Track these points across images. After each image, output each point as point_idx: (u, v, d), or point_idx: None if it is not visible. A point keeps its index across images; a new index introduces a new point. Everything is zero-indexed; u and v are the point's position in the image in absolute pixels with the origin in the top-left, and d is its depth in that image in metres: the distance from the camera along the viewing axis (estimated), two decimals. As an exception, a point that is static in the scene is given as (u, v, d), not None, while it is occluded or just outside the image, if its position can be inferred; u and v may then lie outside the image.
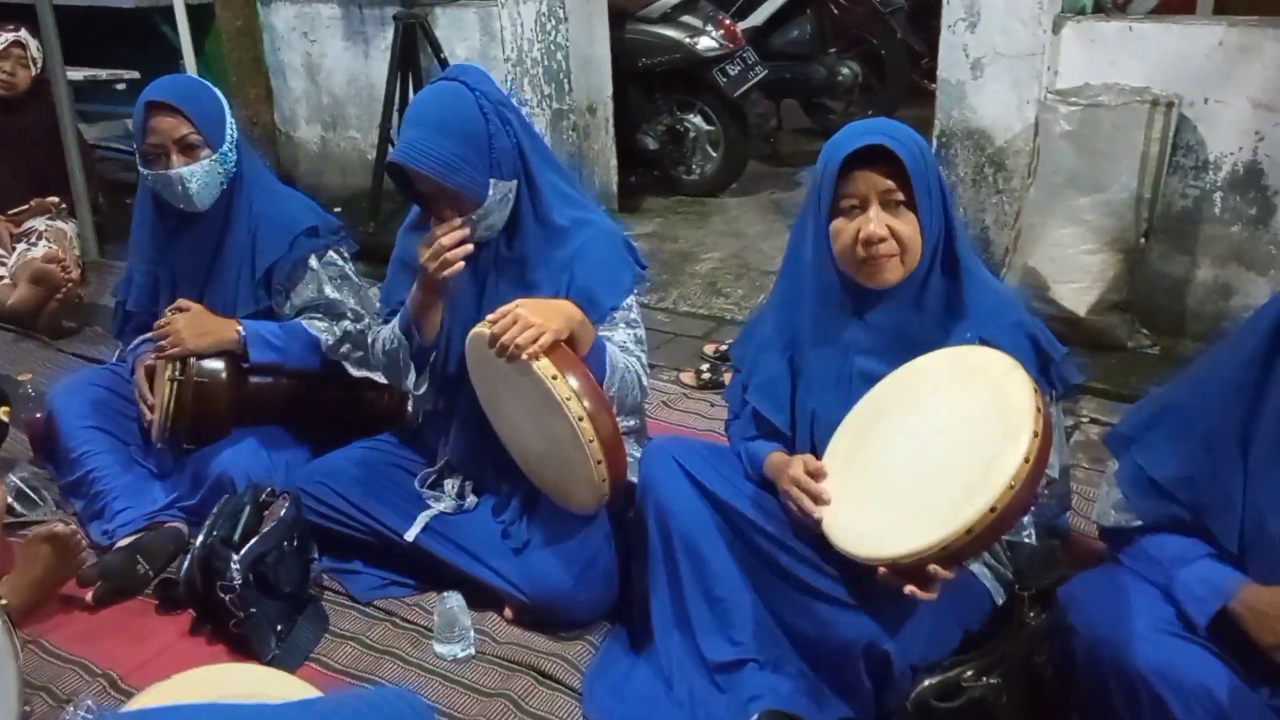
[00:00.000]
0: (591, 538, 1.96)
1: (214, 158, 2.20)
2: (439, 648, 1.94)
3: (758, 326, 1.91)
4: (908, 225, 1.63)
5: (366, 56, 4.85)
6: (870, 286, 1.69)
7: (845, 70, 5.98)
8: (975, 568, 1.75)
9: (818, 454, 1.72)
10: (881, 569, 1.52)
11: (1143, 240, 3.12)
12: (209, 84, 2.33)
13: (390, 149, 2.71)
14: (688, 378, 3.09)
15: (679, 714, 1.76)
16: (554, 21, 4.31)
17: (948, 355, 1.63)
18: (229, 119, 2.26)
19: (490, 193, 1.88)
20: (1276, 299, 1.52)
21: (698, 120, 5.04)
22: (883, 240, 1.62)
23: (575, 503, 1.92)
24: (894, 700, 1.65)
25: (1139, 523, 1.64)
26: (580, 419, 1.73)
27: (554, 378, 1.74)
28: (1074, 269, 3.11)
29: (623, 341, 1.99)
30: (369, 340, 2.20)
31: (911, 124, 1.72)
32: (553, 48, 4.36)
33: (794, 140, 6.10)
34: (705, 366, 3.08)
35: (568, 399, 1.73)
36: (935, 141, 3.52)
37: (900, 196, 1.62)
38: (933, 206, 1.64)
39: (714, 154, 5.09)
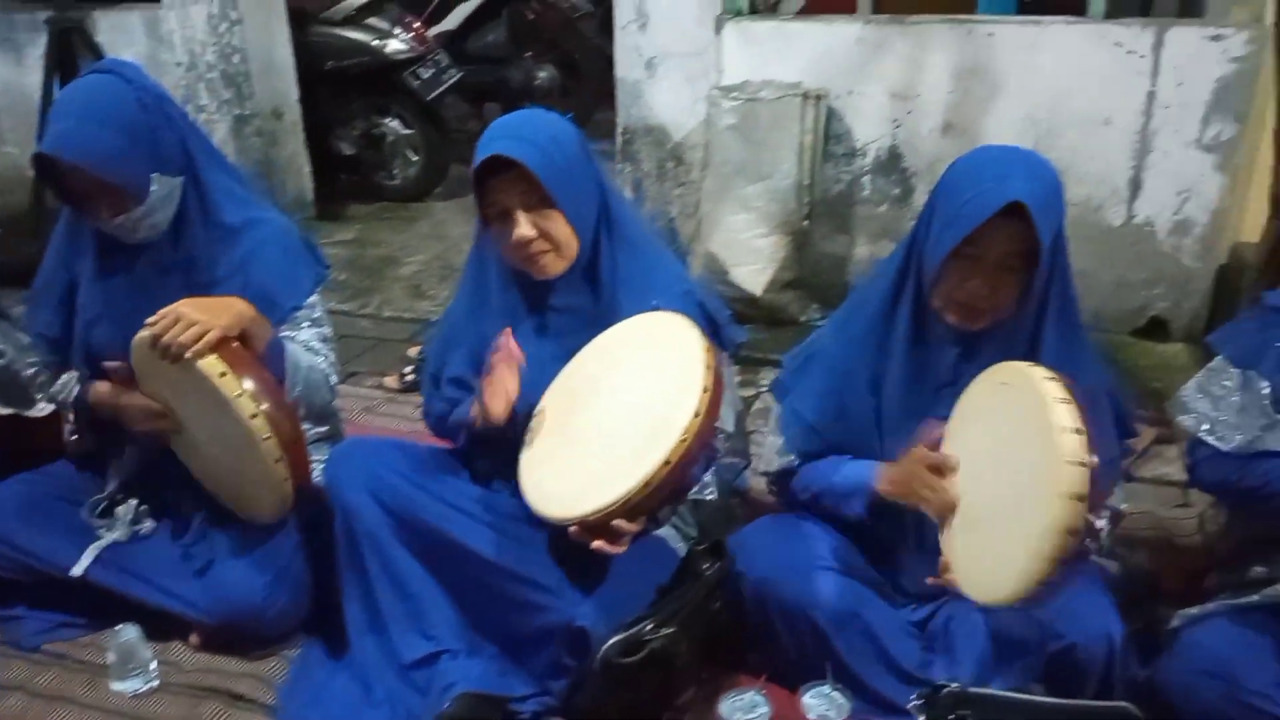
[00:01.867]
0: (280, 548, 1.90)
1: None
2: (116, 684, 1.82)
3: (450, 320, 1.93)
4: (554, 223, 1.68)
5: (19, 65, 4.43)
6: (541, 279, 1.75)
7: (542, 74, 6.10)
8: (664, 530, 1.85)
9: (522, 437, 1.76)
10: (573, 528, 1.56)
11: (806, 223, 3.41)
12: None
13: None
14: (391, 381, 3.05)
15: (378, 716, 1.74)
16: (227, 23, 4.12)
17: (633, 323, 1.71)
18: None
19: (153, 188, 1.77)
20: (894, 254, 1.71)
21: (395, 124, 4.97)
22: (532, 241, 1.68)
23: (259, 510, 1.86)
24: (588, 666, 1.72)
25: (798, 462, 1.80)
26: (253, 416, 1.67)
27: (222, 375, 1.67)
28: (749, 252, 3.35)
29: (307, 341, 1.94)
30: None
31: (609, 125, 1.79)
32: (228, 50, 4.16)
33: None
34: (408, 369, 3.06)
35: (238, 396, 1.67)
36: (620, 138, 3.68)
37: (542, 198, 1.66)
38: (579, 199, 1.69)
39: (415, 158, 5.04)
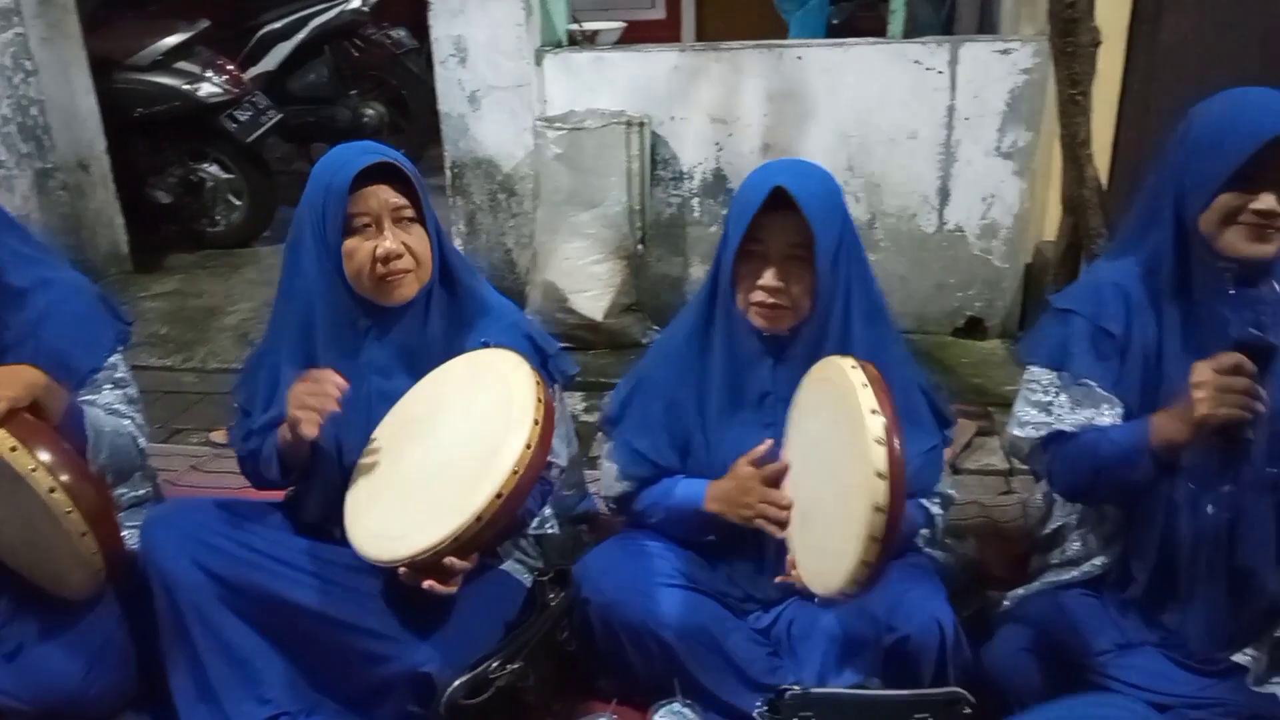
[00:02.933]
0: (98, 624, 1.77)
1: None
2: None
3: (264, 361, 1.85)
4: (419, 240, 1.67)
5: None
6: (387, 304, 1.71)
7: (370, 111, 6.00)
8: (508, 564, 1.83)
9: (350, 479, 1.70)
10: (401, 569, 1.52)
11: (640, 247, 3.46)
12: None
13: None
14: (218, 436, 2.92)
15: (213, 787, 1.65)
16: (21, 74, 3.89)
17: (464, 359, 1.69)
18: None
19: None
20: (706, 280, 1.76)
21: (214, 169, 4.79)
22: (399, 256, 1.65)
23: (70, 586, 1.73)
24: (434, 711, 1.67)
25: (635, 488, 1.82)
26: (51, 490, 1.57)
27: (12, 449, 1.55)
28: (586, 279, 3.37)
29: (109, 403, 1.83)
30: None
31: (441, 160, 1.78)
32: (24, 102, 3.93)
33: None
34: (238, 422, 2.93)
35: (32, 470, 1.56)
36: (449, 173, 3.65)
37: (410, 213, 1.66)
38: (433, 220, 1.70)
39: (239, 203, 4.87)
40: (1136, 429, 1.53)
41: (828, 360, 1.50)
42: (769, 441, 1.61)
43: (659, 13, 7.06)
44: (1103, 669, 1.61)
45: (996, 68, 3.29)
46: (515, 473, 1.47)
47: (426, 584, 1.52)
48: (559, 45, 3.57)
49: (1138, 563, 1.66)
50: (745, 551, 1.73)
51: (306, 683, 1.73)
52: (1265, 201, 1.46)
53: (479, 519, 1.47)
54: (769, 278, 1.61)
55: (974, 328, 3.61)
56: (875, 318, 1.69)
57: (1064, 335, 1.65)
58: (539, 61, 3.48)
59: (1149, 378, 1.61)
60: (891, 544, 1.33)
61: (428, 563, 1.50)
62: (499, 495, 1.47)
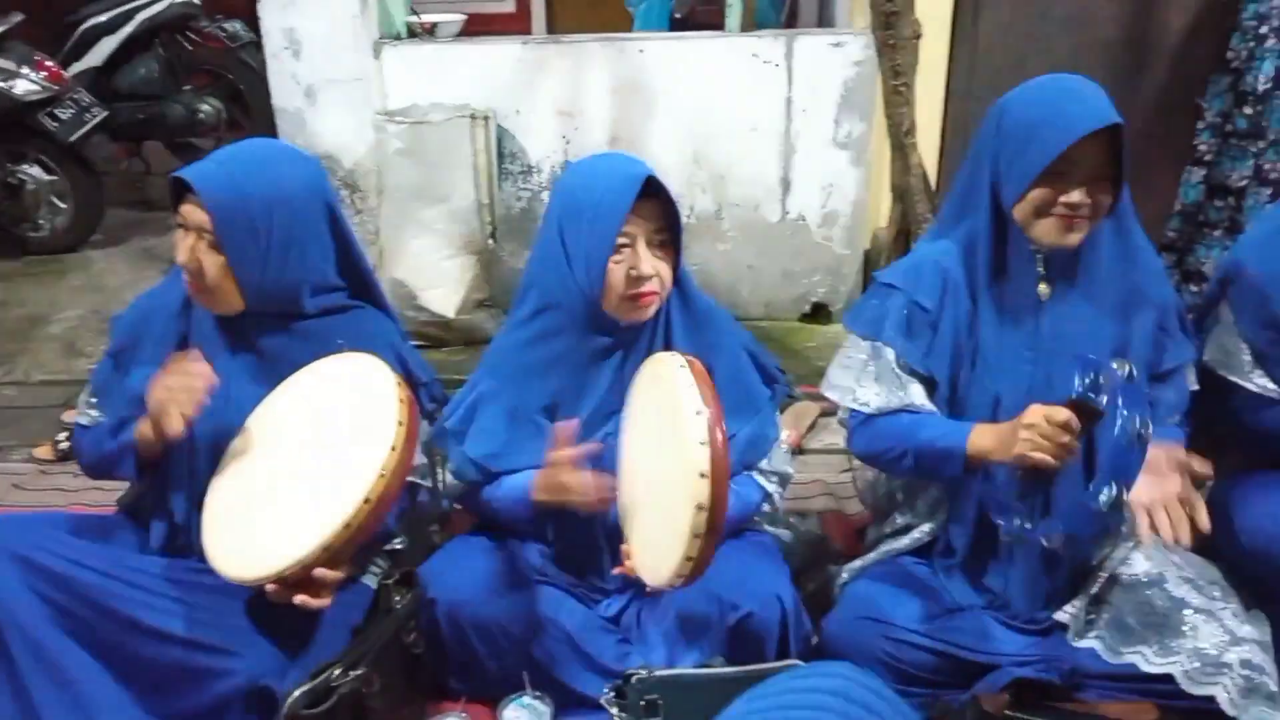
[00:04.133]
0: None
1: None
2: None
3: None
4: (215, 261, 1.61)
5: None
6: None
7: (206, 107, 5.73)
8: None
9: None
10: (269, 586, 1.48)
11: (491, 242, 3.43)
12: None
13: None
14: (43, 451, 2.75)
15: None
16: None
17: (322, 364, 1.65)
18: None
19: None
20: (552, 283, 1.75)
21: (35, 171, 4.51)
22: (198, 275, 1.61)
23: None
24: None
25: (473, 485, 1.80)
26: None
27: None
28: (437, 275, 3.32)
29: None
30: None
31: None
32: None
33: (165, 184, 5.70)
34: (63, 436, 2.77)
35: None
36: (289, 169, 3.53)
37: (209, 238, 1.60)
38: (246, 245, 1.60)
39: (63, 206, 4.59)
40: (955, 432, 1.60)
41: (658, 357, 1.52)
42: (570, 424, 1.61)
43: (509, 6, 6.99)
44: (933, 633, 1.69)
45: (830, 60, 3.40)
46: (382, 477, 1.44)
47: (298, 599, 1.47)
48: (398, 37, 3.50)
49: (957, 529, 1.75)
50: (586, 543, 1.74)
51: (141, 705, 1.65)
52: (1075, 196, 1.55)
53: (348, 526, 1.43)
54: (646, 268, 1.61)
55: (819, 312, 3.73)
56: (689, 289, 1.74)
57: (882, 308, 1.72)
58: (378, 54, 3.40)
59: (959, 350, 1.70)
60: (714, 540, 1.36)
61: (296, 577, 1.46)
62: (367, 501, 1.43)
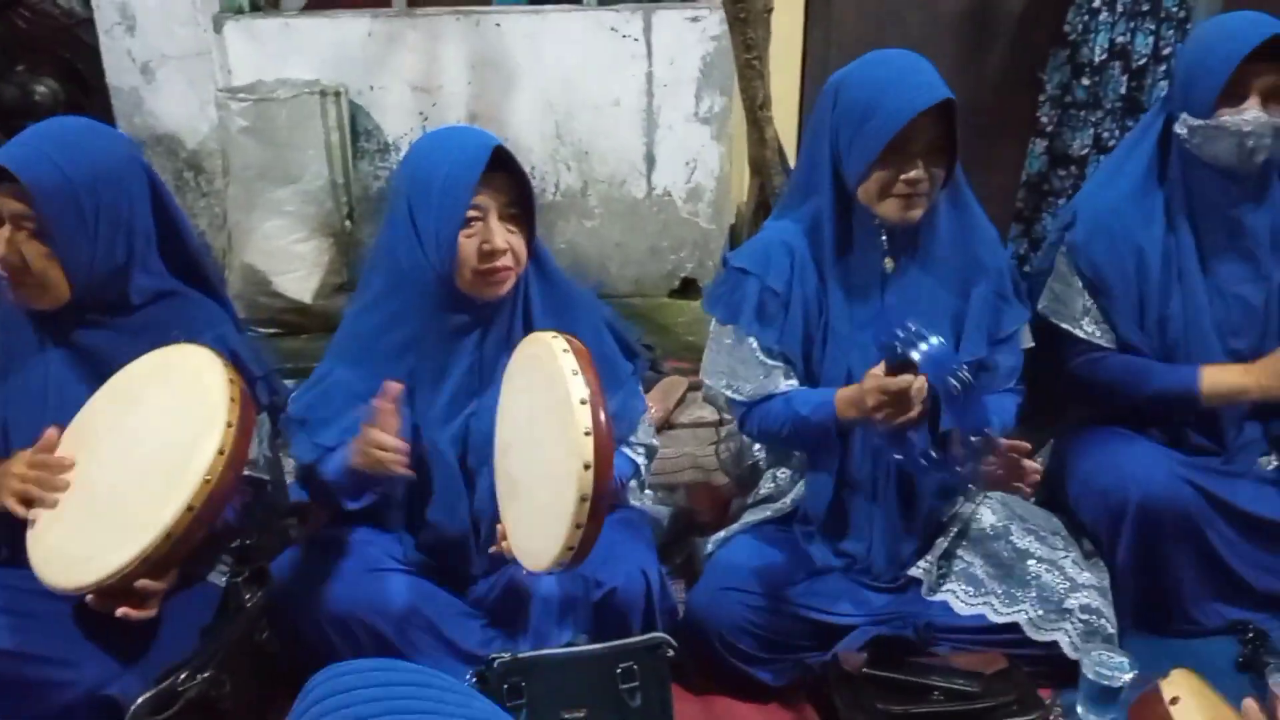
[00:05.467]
0: None
1: None
2: None
3: None
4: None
5: None
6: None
7: (41, 88, 5.34)
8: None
9: None
10: (89, 596, 1.39)
11: (348, 223, 3.32)
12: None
13: None
14: None
15: None
16: None
17: (150, 358, 1.54)
18: None
19: None
20: (403, 258, 1.69)
21: None
22: (20, 269, 1.50)
23: None
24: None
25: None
26: None
27: None
28: (290, 259, 3.20)
29: None
30: None
31: None
32: None
33: None
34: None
35: None
36: (128, 151, 3.34)
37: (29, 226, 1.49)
38: (74, 229, 1.50)
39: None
40: (823, 406, 1.64)
41: (537, 338, 1.48)
42: (395, 385, 1.54)
43: (365, -21, 6.78)
44: (794, 598, 1.72)
45: (689, 35, 3.40)
46: (208, 482, 1.37)
47: (120, 611, 1.39)
48: (241, 11, 3.34)
49: (817, 497, 1.78)
50: (452, 529, 1.70)
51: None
52: (914, 172, 1.59)
53: (169, 535, 1.36)
54: (499, 242, 1.56)
55: (689, 288, 3.75)
56: (546, 265, 1.71)
57: (736, 294, 1.74)
58: (219, 28, 3.24)
59: (811, 328, 1.73)
60: (596, 527, 1.34)
61: (117, 587, 1.38)
62: (190, 508, 1.36)
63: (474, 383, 1.67)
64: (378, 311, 1.69)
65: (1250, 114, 1.70)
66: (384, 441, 1.50)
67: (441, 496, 1.65)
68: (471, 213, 1.54)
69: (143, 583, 1.39)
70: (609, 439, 1.32)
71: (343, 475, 1.62)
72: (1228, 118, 1.70)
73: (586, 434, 1.30)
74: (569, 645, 1.58)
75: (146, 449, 1.47)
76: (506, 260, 1.58)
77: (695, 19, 3.39)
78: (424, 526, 1.72)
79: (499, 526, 1.55)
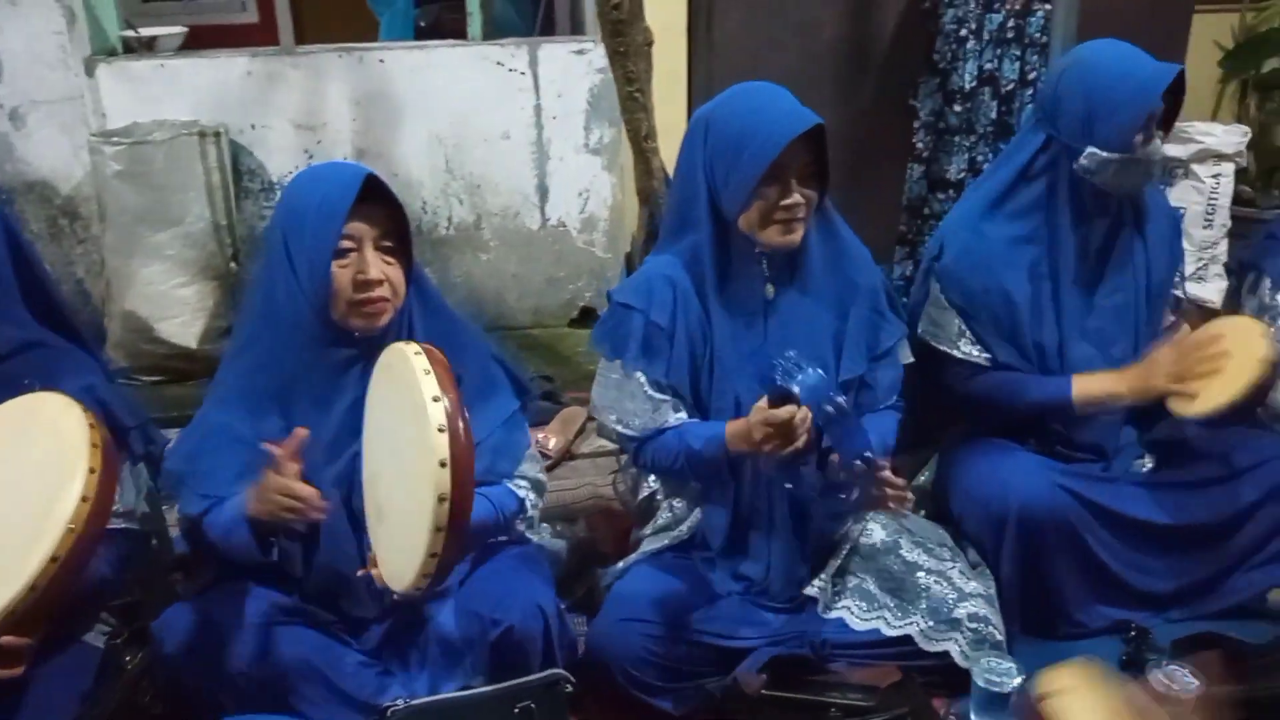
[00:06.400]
0: None
1: None
2: None
3: None
4: None
5: None
6: None
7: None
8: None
9: None
10: None
11: (234, 265, 3.24)
12: None
13: None
14: None
15: None
16: None
17: (6, 407, 1.48)
18: None
19: None
20: (274, 295, 1.65)
21: None
22: None
23: None
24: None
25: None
26: None
27: None
28: (172, 304, 3.10)
29: None
30: None
31: None
32: None
33: None
34: None
35: None
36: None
37: None
38: None
39: None
40: (714, 439, 1.65)
41: (392, 348, 1.45)
42: (302, 431, 1.49)
43: (251, 15, 6.65)
44: (694, 624, 1.73)
45: (575, 68, 3.43)
46: (71, 530, 1.31)
47: None
48: (114, 53, 3.25)
49: (715, 523, 1.80)
50: (337, 573, 1.66)
51: None
52: (792, 198, 1.63)
53: (33, 589, 1.29)
54: (374, 272, 1.53)
55: (588, 317, 3.75)
56: (433, 302, 1.69)
57: (621, 329, 1.75)
58: (91, 72, 3.15)
59: (697, 359, 1.75)
60: (459, 533, 1.30)
61: None
62: (54, 559, 1.30)
63: (357, 420, 1.63)
64: (254, 351, 1.64)
65: (1155, 145, 1.83)
66: (293, 489, 1.44)
67: (328, 540, 1.61)
68: (345, 243, 1.52)
69: (6, 640, 1.33)
70: (467, 439, 1.30)
71: (235, 527, 1.57)
72: (1140, 151, 1.81)
73: (440, 430, 1.27)
74: (466, 688, 1.56)
75: (5, 501, 1.41)
76: (383, 291, 1.56)
77: (581, 52, 3.42)
78: (312, 573, 1.68)
79: (369, 554, 1.51)
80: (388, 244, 1.57)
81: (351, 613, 1.70)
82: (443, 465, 1.27)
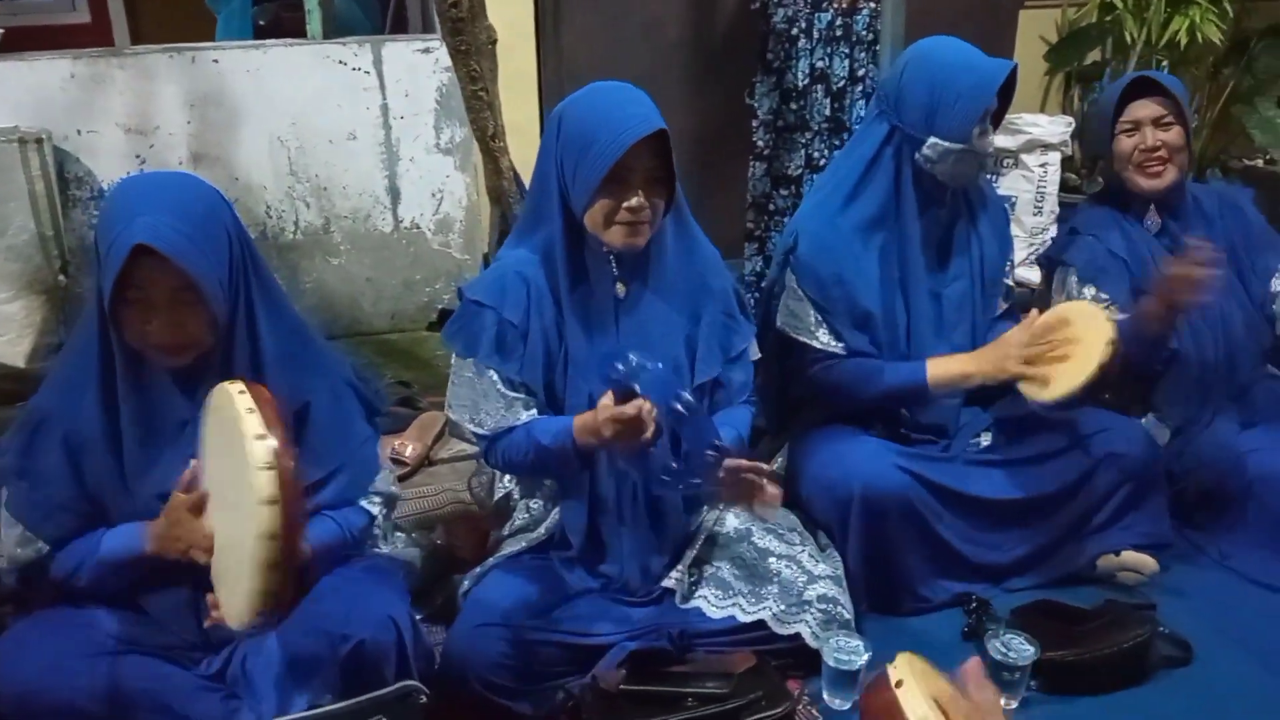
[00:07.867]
0: None
1: None
2: None
3: None
4: None
5: None
6: None
7: None
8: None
9: None
10: None
11: (63, 278, 3.07)
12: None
13: None
14: None
15: None
16: None
17: None
18: None
19: None
20: (90, 322, 1.57)
21: None
22: None
23: None
24: None
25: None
26: None
27: None
28: (-3, 322, 2.92)
29: None
30: None
31: None
32: None
33: None
34: None
35: None
36: None
37: None
38: None
39: None
40: (563, 434, 1.65)
41: (219, 388, 1.40)
42: (195, 463, 1.48)
43: (83, 15, 6.28)
44: (553, 624, 1.73)
45: (421, 66, 3.37)
46: None
47: None
48: (-87, 56, 3.03)
49: (572, 523, 1.80)
50: (175, 599, 1.59)
51: None
52: (634, 200, 1.63)
53: None
54: (156, 326, 1.46)
55: (446, 320, 3.69)
56: (285, 325, 1.63)
57: (474, 326, 1.74)
58: (-109, 75, 2.93)
59: (551, 357, 1.75)
60: (289, 569, 1.29)
61: None
62: None
63: (187, 443, 1.57)
64: (74, 384, 1.57)
65: (989, 137, 1.93)
66: (200, 532, 1.45)
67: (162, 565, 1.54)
68: (134, 294, 1.45)
69: None
70: (290, 473, 1.28)
71: (115, 564, 1.54)
72: (975, 143, 1.90)
73: (265, 468, 1.26)
74: (315, 706, 1.51)
75: None
76: (178, 337, 1.48)
77: (427, 50, 3.36)
78: (148, 601, 1.61)
79: (209, 596, 1.47)
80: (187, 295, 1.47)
81: (190, 638, 1.64)
82: (271, 503, 1.25)
